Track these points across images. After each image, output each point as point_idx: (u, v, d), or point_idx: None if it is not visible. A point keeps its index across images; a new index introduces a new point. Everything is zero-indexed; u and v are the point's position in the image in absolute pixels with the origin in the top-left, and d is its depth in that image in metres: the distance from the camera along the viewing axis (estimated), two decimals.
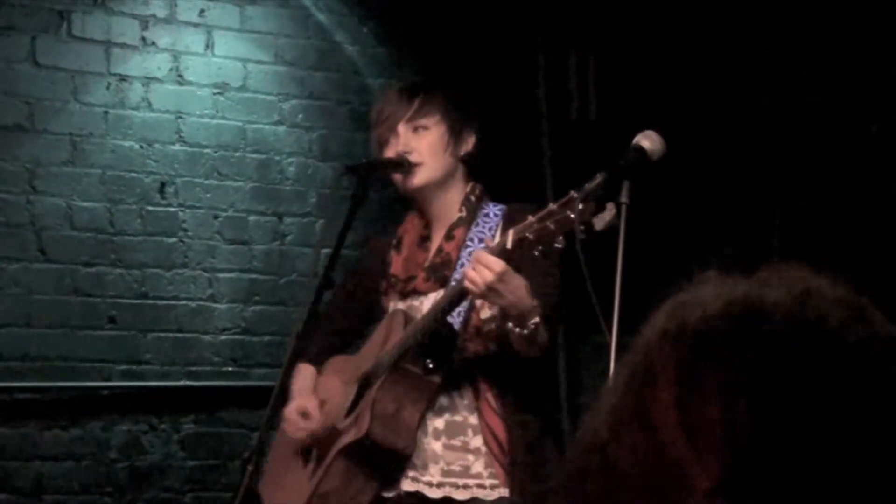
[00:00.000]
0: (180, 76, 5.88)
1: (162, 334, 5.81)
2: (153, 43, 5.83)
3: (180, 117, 5.87)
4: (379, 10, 6.31)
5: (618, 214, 3.31)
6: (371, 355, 3.78)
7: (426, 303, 3.75)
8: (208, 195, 5.92)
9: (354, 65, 6.27)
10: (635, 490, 0.99)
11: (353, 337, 4.02)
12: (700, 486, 0.97)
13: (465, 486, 3.64)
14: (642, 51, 6.11)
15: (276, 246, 6.07)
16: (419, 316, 3.72)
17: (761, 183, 5.75)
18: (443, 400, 3.68)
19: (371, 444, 3.63)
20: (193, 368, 5.85)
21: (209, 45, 5.96)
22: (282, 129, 6.10)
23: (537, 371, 3.69)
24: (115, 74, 5.74)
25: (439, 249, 3.78)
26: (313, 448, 3.85)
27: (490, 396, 3.67)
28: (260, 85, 6.06)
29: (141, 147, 5.78)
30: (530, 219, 3.37)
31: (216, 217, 5.94)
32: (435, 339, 3.63)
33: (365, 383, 3.77)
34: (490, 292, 3.40)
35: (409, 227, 3.89)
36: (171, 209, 5.84)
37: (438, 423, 3.68)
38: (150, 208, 5.80)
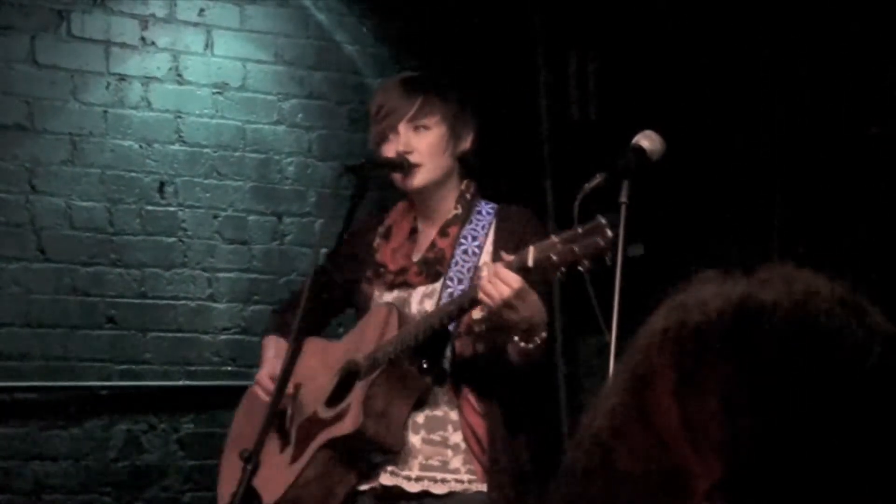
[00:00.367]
0: (180, 76, 5.88)
1: (161, 334, 5.80)
2: (153, 42, 5.82)
3: (180, 117, 5.87)
4: (378, 10, 6.30)
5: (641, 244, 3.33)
6: (358, 345, 3.76)
7: (415, 296, 3.74)
8: (208, 195, 5.92)
9: (354, 64, 6.27)
10: (636, 489, 0.99)
11: (327, 318, 4.01)
12: (701, 485, 0.97)
13: (444, 481, 3.64)
14: (642, 51, 6.11)
15: (275, 246, 6.07)
16: (407, 308, 3.72)
17: (761, 183, 5.75)
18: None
19: (362, 440, 3.63)
20: (193, 368, 5.85)
21: (209, 45, 5.95)
22: (281, 128, 6.10)
23: (522, 373, 3.68)
24: (114, 74, 5.74)
25: (433, 244, 3.77)
26: (291, 429, 3.84)
27: (472, 394, 3.67)
28: (259, 84, 6.06)
29: (140, 147, 5.78)
30: (553, 239, 3.37)
31: (216, 217, 5.94)
32: (432, 339, 3.63)
33: (351, 374, 3.75)
34: (505, 307, 3.40)
35: (399, 217, 3.88)
36: (171, 209, 5.84)
37: (419, 417, 3.68)
38: (150, 208, 5.79)
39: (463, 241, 3.74)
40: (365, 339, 3.75)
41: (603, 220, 3.29)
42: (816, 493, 0.95)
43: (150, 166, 5.79)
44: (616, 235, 3.28)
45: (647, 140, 3.47)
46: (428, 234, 3.82)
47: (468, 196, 3.79)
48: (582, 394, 6.23)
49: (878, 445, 0.96)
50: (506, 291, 3.37)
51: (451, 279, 3.69)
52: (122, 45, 5.76)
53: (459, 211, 3.78)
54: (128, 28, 5.77)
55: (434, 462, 3.65)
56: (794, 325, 0.98)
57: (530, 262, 3.38)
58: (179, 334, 5.84)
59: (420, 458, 3.66)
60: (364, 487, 3.71)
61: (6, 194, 5.52)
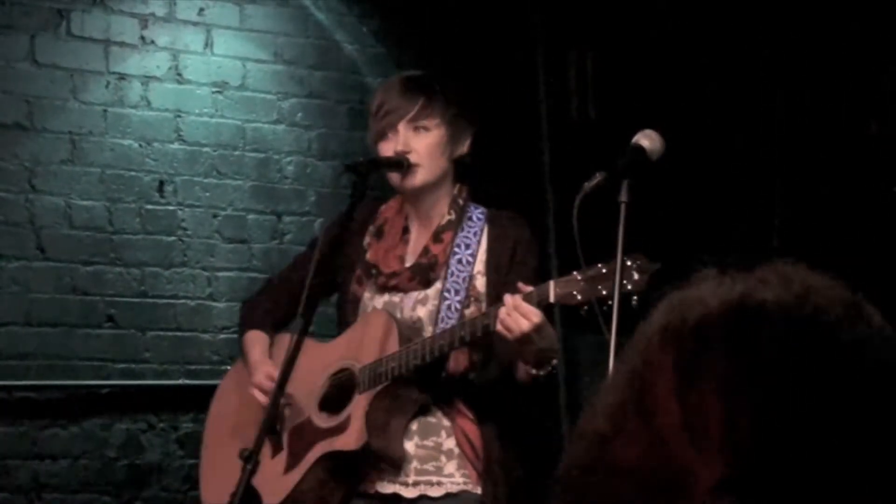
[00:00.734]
0: (179, 75, 5.88)
1: (161, 333, 5.80)
2: (152, 41, 5.82)
3: (179, 116, 5.87)
4: (378, 9, 6.30)
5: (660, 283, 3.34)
6: (354, 352, 3.74)
7: (407, 301, 3.73)
8: (207, 194, 5.92)
9: (354, 64, 6.26)
10: (636, 487, 0.98)
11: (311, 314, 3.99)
12: (702, 483, 0.96)
13: (440, 484, 3.65)
14: (641, 50, 6.10)
15: (275, 245, 6.07)
16: (399, 314, 3.70)
17: (761, 181, 5.75)
18: None
19: (365, 455, 3.63)
20: (192, 367, 5.85)
21: (208, 44, 5.95)
22: (281, 127, 6.10)
23: (526, 391, 3.69)
24: (114, 73, 5.74)
25: (426, 250, 3.76)
26: (282, 432, 3.83)
27: (464, 401, 3.68)
28: (259, 84, 6.06)
29: (140, 146, 5.78)
30: (575, 276, 3.38)
31: (215, 216, 5.94)
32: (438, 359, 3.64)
33: (346, 382, 3.75)
34: (523, 340, 3.40)
35: (392, 215, 3.87)
36: (170, 208, 5.84)
37: (412, 423, 3.68)
38: (149, 207, 5.79)
39: (457, 249, 3.73)
40: (363, 347, 3.73)
41: (629, 262, 3.30)
42: (817, 490, 0.95)
43: (150, 165, 5.79)
44: (644, 276, 3.29)
45: (647, 139, 3.47)
46: (420, 237, 3.80)
47: (461, 201, 3.79)
48: (581, 393, 6.23)
49: (879, 443, 0.96)
50: (525, 326, 3.39)
51: (449, 290, 3.69)
52: (122, 44, 5.76)
53: (453, 217, 3.76)
54: (127, 27, 5.77)
55: (429, 467, 3.66)
56: (794, 322, 0.98)
57: (552, 299, 3.39)
58: (179, 333, 5.84)
59: (415, 464, 3.66)
60: (367, 492, 3.70)
61: (6, 193, 5.52)
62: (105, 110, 5.71)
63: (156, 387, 5.78)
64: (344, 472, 3.70)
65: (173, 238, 5.84)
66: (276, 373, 3.67)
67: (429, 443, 3.66)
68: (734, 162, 5.84)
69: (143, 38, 5.81)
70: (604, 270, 3.34)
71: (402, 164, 3.70)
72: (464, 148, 3.78)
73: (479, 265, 3.72)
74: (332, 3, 6.23)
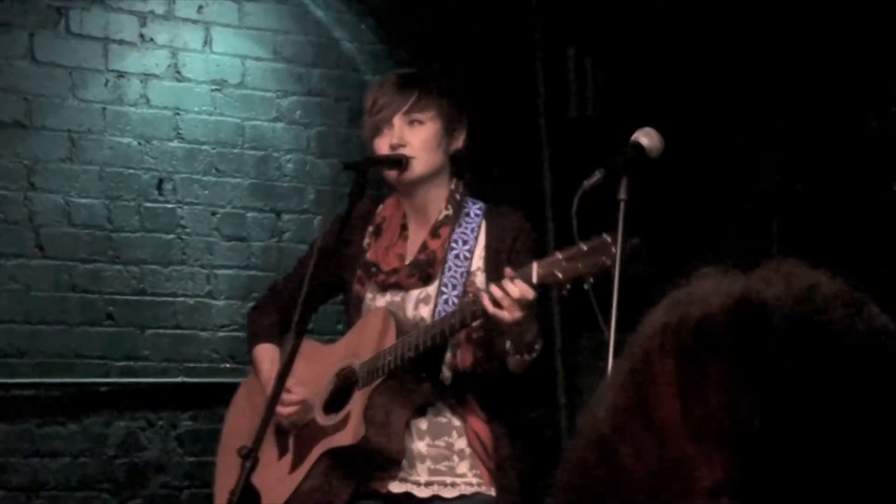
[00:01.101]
0: (178, 73, 5.87)
1: (160, 331, 5.80)
2: (151, 39, 5.82)
3: (178, 114, 5.87)
4: (377, 7, 6.30)
5: (643, 258, 3.34)
6: (354, 350, 3.75)
7: (409, 300, 3.74)
8: (206, 192, 5.91)
9: (353, 61, 6.26)
10: (638, 485, 0.98)
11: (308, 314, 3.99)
12: (703, 482, 0.96)
13: (453, 485, 3.65)
14: (641, 47, 6.10)
15: (274, 242, 6.07)
16: (402, 313, 3.71)
17: (760, 178, 5.74)
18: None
19: (364, 450, 3.63)
20: (191, 365, 5.85)
21: (207, 42, 5.95)
22: (280, 125, 6.10)
23: (522, 377, 3.69)
24: (113, 71, 5.74)
25: (424, 246, 3.76)
26: (290, 435, 3.83)
27: (474, 400, 3.68)
28: (258, 81, 6.05)
29: (139, 143, 5.78)
30: (557, 256, 3.39)
31: (214, 214, 5.94)
32: (432, 349, 3.64)
33: (347, 380, 3.75)
34: (514, 321, 3.41)
35: (390, 213, 3.87)
36: (169, 206, 5.84)
37: (422, 423, 3.68)
38: (148, 205, 5.79)
39: (454, 244, 3.73)
40: (362, 344, 3.74)
41: (608, 238, 3.30)
42: (821, 490, 0.95)
43: (149, 163, 5.79)
44: (624, 251, 3.30)
45: (646, 137, 3.47)
46: (418, 233, 3.81)
47: (458, 196, 3.79)
48: (581, 392, 6.22)
49: (882, 442, 0.95)
50: (518, 314, 3.39)
51: (446, 285, 3.69)
52: (121, 41, 5.76)
53: (450, 212, 3.76)
54: (126, 25, 5.77)
55: (441, 467, 3.66)
56: (794, 320, 0.98)
57: (535, 279, 3.39)
58: (178, 331, 5.83)
59: (428, 464, 3.66)
60: (380, 491, 3.70)
61: (5, 191, 5.52)
62: (104, 108, 5.71)
63: (155, 385, 5.78)
64: (346, 469, 3.70)
65: (172, 236, 5.84)
66: (290, 387, 3.69)
67: (440, 443, 3.67)
68: (733, 159, 5.84)
69: (142, 35, 5.80)
70: (584, 247, 3.35)
71: (400, 162, 3.70)
72: (459, 143, 3.78)
73: (477, 261, 3.72)
74: (331, 0, 6.23)
